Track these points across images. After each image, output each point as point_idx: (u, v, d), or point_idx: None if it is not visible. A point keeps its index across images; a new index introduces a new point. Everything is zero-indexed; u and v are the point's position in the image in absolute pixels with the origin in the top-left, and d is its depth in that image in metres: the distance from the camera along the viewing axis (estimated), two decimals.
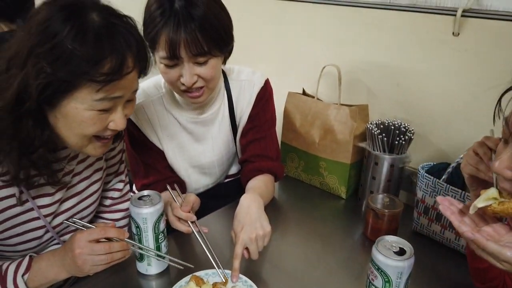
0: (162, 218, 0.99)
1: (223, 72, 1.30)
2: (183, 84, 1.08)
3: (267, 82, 1.32)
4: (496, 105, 0.70)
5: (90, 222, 1.15)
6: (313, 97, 1.45)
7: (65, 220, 0.95)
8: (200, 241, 1.03)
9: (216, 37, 1.05)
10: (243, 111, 1.30)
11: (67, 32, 0.74)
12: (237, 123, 1.33)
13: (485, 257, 0.68)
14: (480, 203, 0.71)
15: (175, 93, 1.22)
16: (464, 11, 1.14)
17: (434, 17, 1.21)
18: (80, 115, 0.80)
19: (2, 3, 1.91)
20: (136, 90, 0.89)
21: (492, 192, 0.70)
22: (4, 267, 0.89)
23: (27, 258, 0.91)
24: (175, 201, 1.08)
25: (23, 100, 0.76)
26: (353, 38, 1.43)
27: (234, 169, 1.47)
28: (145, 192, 1.00)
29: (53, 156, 0.89)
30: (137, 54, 0.82)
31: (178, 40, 1.00)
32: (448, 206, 0.76)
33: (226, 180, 1.47)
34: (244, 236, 0.98)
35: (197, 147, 1.30)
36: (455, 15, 1.15)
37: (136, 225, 0.97)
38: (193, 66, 1.06)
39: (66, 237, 1.05)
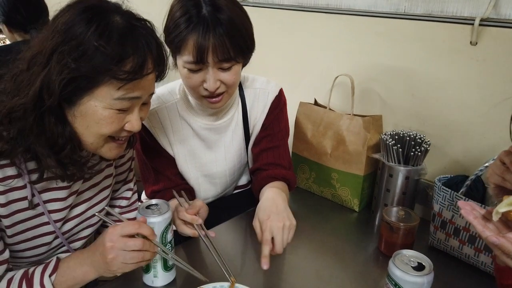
0: (169, 228, 0.96)
1: None
2: (206, 90, 1.08)
3: (281, 92, 1.31)
4: None
5: (97, 231, 1.15)
6: (325, 107, 1.42)
7: (97, 213, 0.93)
8: (207, 245, 1.01)
9: (241, 43, 1.06)
10: (257, 119, 1.29)
11: (93, 31, 0.76)
12: (250, 131, 1.32)
13: (510, 263, 0.67)
14: (502, 208, 0.69)
15: (191, 99, 1.22)
16: (482, 20, 1.11)
17: (451, 26, 1.18)
18: (98, 114, 0.81)
19: (18, 16, 1.95)
20: (152, 94, 0.91)
21: None
22: (30, 270, 0.88)
23: (54, 258, 0.90)
24: (181, 205, 1.07)
25: (44, 97, 0.78)
26: (367, 48, 1.40)
27: (244, 180, 1.44)
28: (153, 201, 0.98)
29: (79, 155, 0.88)
30: (157, 56, 0.85)
31: (207, 45, 1.00)
32: (470, 210, 0.73)
33: (236, 191, 1.45)
34: (272, 223, 0.95)
35: (209, 155, 1.29)
36: (472, 24, 1.12)
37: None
38: (217, 71, 1.06)
39: (76, 243, 1.04)
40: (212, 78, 1.05)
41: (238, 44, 1.04)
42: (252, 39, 1.11)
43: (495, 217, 0.70)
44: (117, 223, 0.88)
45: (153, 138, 1.22)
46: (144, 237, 0.85)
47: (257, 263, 1.10)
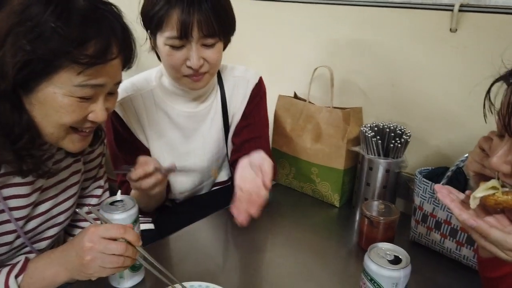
0: (135, 225, 0.91)
1: None
2: (189, 68, 1.05)
3: (261, 80, 1.29)
4: (485, 99, 0.68)
5: (65, 231, 1.09)
6: (304, 100, 1.38)
7: (77, 209, 0.86)
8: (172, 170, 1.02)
9: (226, 20, 1.05)
10: (237, 108, 1.27)
11: (51, 12, 0.72)
12: (229, 121, 1.28)
13: (488, 247, 0.64)
14: (479, 192, 0.66)
15: (169, 84, 1.18)
16: (461, 5, 1.08)
17: (430, 13, 1.15)
18: (58, 101, 0.76)
19: None
20: (119, 83, 0.86)
21: (492, 182, 0.66)
22: None
23: (22, 258, 0.85)
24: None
25: None
26: (346, 38, 1.37)
27: (223, 175, 1.40)
28: (118, 197, 0.93)
29: (41, 149, 0.83)
30: (122, 41, 0.80)
31: (191, 20, 0.99)
32: (447, 194, 0.71)
33: (214, 188, 1.40)
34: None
35: (187, 145, 1.25)
36: (452, 10, 1.09)
37: None
38: (201, 48, 1.04)
39: (40, 244, 0.97)
40: (196, 54, 1.03)
41: (223, 20, 1.03)
42: (234, 18, 1.10)
43: (472, 204, 0.67)
44: (97, 222, 0.83)
45: (126, 127, 1.18)
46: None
47: (235, 261, 1.07)
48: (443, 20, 1.13)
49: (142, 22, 1.06)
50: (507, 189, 0.65)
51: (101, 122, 0.85)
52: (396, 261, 0.75)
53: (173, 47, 1.03)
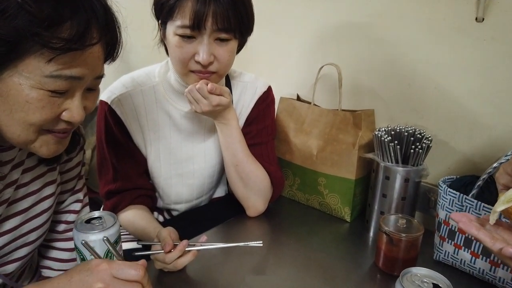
0: (117, 246, 0.78)
1: None
2: (198, 63, 0.98)
3: (269, 89, 1.25)
4: None
5: (39, 252, 0.98)
6: (309, 102, 1.28)
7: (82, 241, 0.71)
8: (210, 248, 0.98)
9: (244, 16, 0.99)
10: (241, 114, 1.21)
11: None
12: None
13: None
14: (500, 206, 0.64)
15: (174, 80, 1.11)
16: None
17: (452, 0, 1.04)
18: (24, 94, 0.64)
19: None
20: (100, 77, 0.74)
21: None
22: None
23: None
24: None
25: None
26: (354, 33, 1.26)
27: (221, 191, 1.31)
28: (96, 214, 0.80)
29: None
30: (104, 24, 0.69)
31: (207, 10, 0.93)
32: (469, 222, 0.66)
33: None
34: None
35: (187, 150, 1.16)
36: None
37: (82, 256, 0.76)
38: (213, 43, 0.98)
39: (8, 267, 0.84)
40: (206, 48, 0.96)
41: (241, 16, 0.98)
42: (253, 17, 1.04)
43: (492, 219, 0.63)
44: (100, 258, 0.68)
45: (122, 128, 1.09)
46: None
47: (237, 285, 0.94)
48: (467, 8, 1.03)
49: (153, 10, 1.01)
50: None
51: (78, 123, 0.72)
52: None
53: (184, 38, 0.96)
